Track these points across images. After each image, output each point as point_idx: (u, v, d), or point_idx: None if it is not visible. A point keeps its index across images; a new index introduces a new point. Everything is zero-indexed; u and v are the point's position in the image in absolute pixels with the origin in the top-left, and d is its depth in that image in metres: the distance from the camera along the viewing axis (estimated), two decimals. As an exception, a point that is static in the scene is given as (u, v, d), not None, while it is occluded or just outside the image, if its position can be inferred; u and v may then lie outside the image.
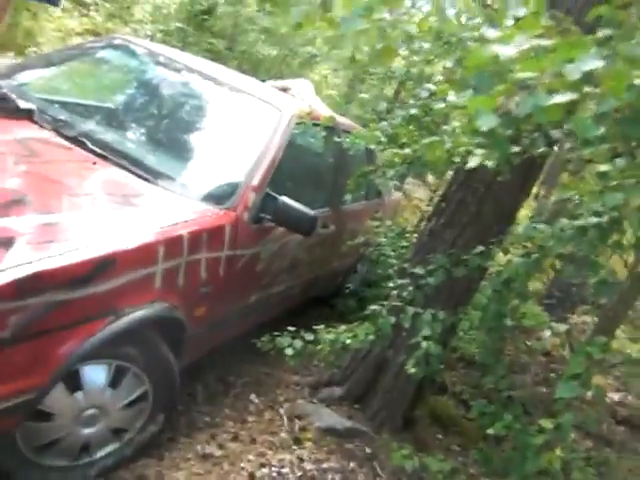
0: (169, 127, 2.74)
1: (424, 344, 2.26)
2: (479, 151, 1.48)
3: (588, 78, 0.94)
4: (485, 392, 3.01)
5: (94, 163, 2.13)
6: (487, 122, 0.97)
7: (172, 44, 6.44)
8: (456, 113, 2.09)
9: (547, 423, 1.75)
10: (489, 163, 1.41)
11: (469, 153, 1.50)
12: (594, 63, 0.89)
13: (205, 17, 7.15)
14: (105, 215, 1.85)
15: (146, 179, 2.18)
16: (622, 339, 4.55)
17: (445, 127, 2.05)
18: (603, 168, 1.28)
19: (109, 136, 2.41)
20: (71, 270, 1.55)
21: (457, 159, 2.14)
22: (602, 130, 1.11)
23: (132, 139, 2.55)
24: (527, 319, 4.42)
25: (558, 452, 1.74)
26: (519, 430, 2.05)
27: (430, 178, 5.68)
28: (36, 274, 1.46)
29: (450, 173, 2.97)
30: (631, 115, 1.07)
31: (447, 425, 3.14)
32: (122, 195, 2.03)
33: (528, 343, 4.46)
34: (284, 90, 4.13)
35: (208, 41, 6.98)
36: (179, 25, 7.03)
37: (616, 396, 4.34)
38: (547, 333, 4.44)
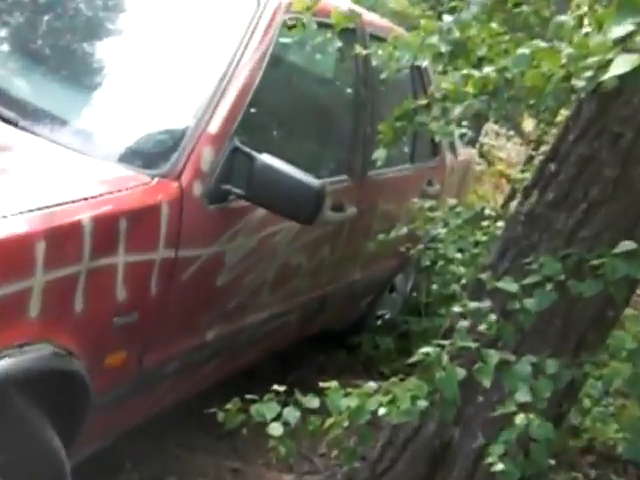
0: (67, 37, 2.84)
1: (520, 419, 2.24)
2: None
3: None
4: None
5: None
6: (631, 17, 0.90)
7: None
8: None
9: None
10: None
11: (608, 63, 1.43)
12: None
13: None
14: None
15: (18, 125, 2.22)
16: None
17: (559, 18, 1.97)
18: None
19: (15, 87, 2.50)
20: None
21: (581, 83, 2.07)
22: None
23: (36, 81, 2.63)
24: None
25: None
26: None
27: (528, 123, 5.59)
28: None
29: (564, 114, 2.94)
30: None
31: None
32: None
33: None
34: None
35: None
36: None
37: None
38: None
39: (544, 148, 4.08)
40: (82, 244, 1.95)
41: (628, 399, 3.30)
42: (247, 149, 2.44)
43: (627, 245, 2.32)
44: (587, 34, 2.08)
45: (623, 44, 1.50)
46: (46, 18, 2.92)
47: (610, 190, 2.61)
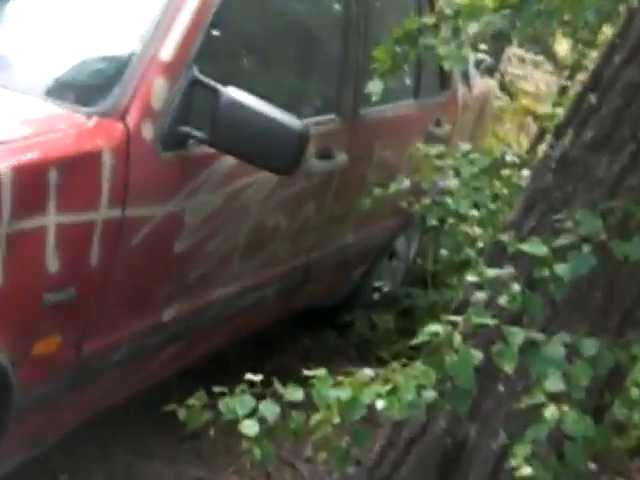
0: None
1: (551, 412, 2.24)
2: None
3: None
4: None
5: None
6: None
7: None
8: None
9: None
10: None
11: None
12: None
13: None
14: None
15: None
16: None
17: None
18: None
19: None
20: None
21: None
22: None
23: None
24: None
25: None
26: None
27: (561, 46, 5.61)
28: None
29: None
30: None
31: None
32: None
33: None
34: None
35: None
36: None
37: None
38: None
39: (582, 76, 4.07)
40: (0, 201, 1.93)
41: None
42: (210, 81, 2.44)
43: None
44: None
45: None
46: None
47: None
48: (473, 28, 2.60)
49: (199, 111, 2.45)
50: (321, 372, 2.46)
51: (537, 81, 7.44)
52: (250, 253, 3.03)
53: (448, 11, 2.91)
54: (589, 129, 2.70)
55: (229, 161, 2.61)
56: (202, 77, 2.46)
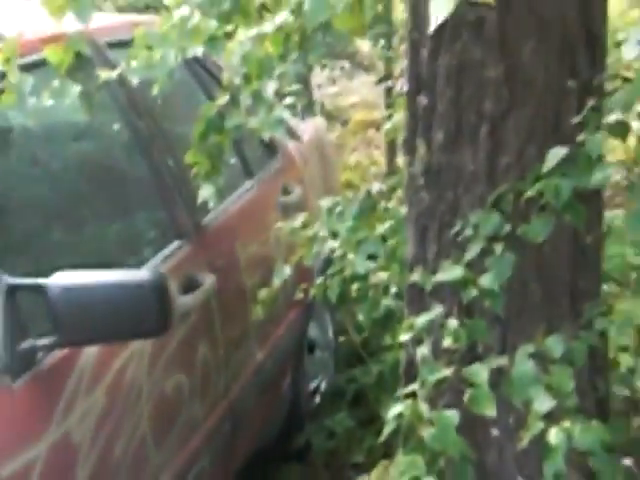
0: None
1: (554, 435, 2.30)
2: None
3: None
4: None
5: None
6: None
7: None
8: None
9: None
10: None
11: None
12: None
13: None
14: None
15: None
16: None
17: None
18: None
19: None
20: None
21: None
22: None
23: None
24: None
25: None
26: None
27: (365, 46, 5.71)
28: None
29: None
30: None
31: None
32: None
33: None
34: None
35: None
36: None
37: None
38: None
39: (396, 67, 4.18)
40: None
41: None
42: (27, 280, 2.42)
43: (558, 153, 2.38)
44: None
45: None
46: None
47: (506, 94, 2.68)
48: (271, 87, 2.66)
49: (33, 317, 2.42)
50: None
51: (359, 91, 7.51)
52: (163, 434, 3.00)
53: (237, 81, 2.94)
54: (436, 131, 2.76)
55: (91, 351, 2.58)
56: (17, 280, 2.41)
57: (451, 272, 2.61)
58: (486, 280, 2.53)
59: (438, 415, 2.47)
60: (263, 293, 3.70)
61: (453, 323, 2.59)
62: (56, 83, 2.92)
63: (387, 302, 3.92)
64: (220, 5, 2.84)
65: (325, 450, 4.04)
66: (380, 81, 5.32)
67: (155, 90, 2.99)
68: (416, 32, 2.82)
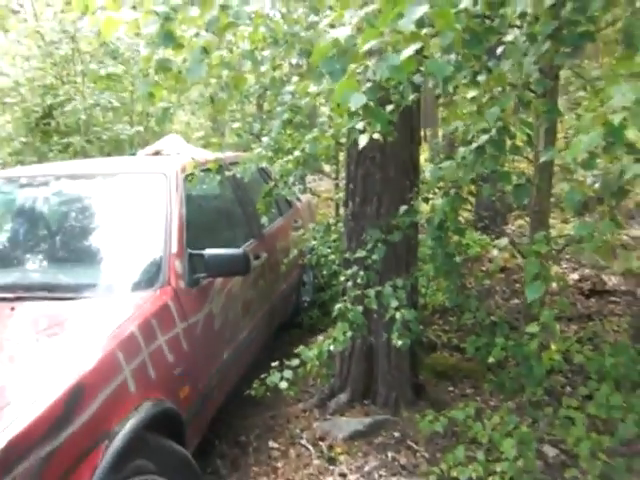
0: (66, 240, 2.62)
1: (398, 314, 2.34)
2: (360, 125, 1.54)
3: (421, 23, 1.01)
4: (470, 329, 3.13)
5: (12, 309, 2.03)
6: (357, 101, 1.02)
7: (28, 161, 6.22)
8: (324, 101, 2.15)
9: (533, 327, 1.86)
10: (375, 135, 1.46)
11: (351, 131, 1.54)
12: (420, 9, 0.97)
13: (46, 121, 6.94)
14: (46, 348, 1.78)
15: (70, 298, 2.10)
16: (557, 225, 4.86)
17: (320, 119, 2.11)
18: (471, 94, 1.37)
19: (11, 276, 2.34)
20: (43, 419, 1.47)
21: (343, 140, 2.21)
22: (452, 60, 1.20)
23: (35, 268, 2.47)
24: (472, 248, 4.65)
25: (554, 346, 1.85)
26: (514, 346, 2.16)
27: (327, 168, 5.70)
28: (11, 440, 1.37)
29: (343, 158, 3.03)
30: (469, 37, 1.16)
31: (452, 376, 3.23)
32: (55, 323, 1.95)
33: (483, 269, 4.66)
34: (157, 153, 4.11)
35: (61, 142, 6.77)
36: (23, 140, 6.79)
37: (575, 275, 4.60)
38: (495, 252, 4.68)
39: (342, 175, 4.18)
40: (138, 342, 1.92)
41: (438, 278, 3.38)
42: (196, 251, 2.40)
43: (404, 207, 2.47)
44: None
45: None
46: (48, 232, 2.68)
47: (384, 185, 2.73)
48: (290, 178, 2.67)
49: (197, 265, 2.38)
50: (301, 348, 2.53)
51: (326, 186, 7.36)
52: (246, 313, 2.96)
53: (276, 177, 2.99)
54: (357, 198, 2.80)
55: (220, 280, 2.58)
56: (191, 251, 2.40)
57: (360, 253, 2.63)
58: (374, 256, 2.56)
59: (354, 308, 2.49)
60: (285, 260, 3.70)
61: (360, 273, 2.61)
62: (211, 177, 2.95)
63: (334, 267, 4.01)
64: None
65: (308, 324, 4.04)
66: (335, 179, 5.31)
67: (246, 178, 3.07)
68: (349, 160, 2.85)
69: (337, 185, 5.14)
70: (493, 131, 1.45)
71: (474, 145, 1.52)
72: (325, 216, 5.88)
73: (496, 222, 5.51)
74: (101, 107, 6.91)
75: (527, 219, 2.62)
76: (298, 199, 4.59)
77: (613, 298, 4.16)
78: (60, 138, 6.82)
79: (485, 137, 1.47)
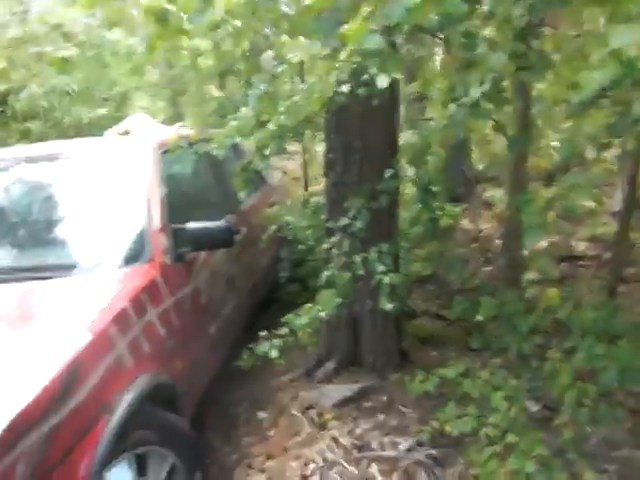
0: (50, 221, 2.53)
1: (385, 279, 2.34)
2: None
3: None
4: (448, 296, 3.17)
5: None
6: (374, 41, 1.01)
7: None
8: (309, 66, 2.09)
9: (531, 275, 1.87)
10: (384, 82, 1.43)
11: (336, 94, 1.50)
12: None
13: (1, 108, 6.67)
14: (39, 327, 1.75)
15: (60, 276, 2.05)
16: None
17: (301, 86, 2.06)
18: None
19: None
20: (43, 396, 1.45)
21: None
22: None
23: (17, 250, 2.41)
24: (443, 219, 4.70)
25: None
26: (499, 304, 2.20)
27: (296, 147, 5.55)
28: (14, 419, 1.35)
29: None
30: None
31: (433, 341, 3.26)
32: (45, 302, 1.91)
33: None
34: (127, 132, 3.99)
35: (20, 129, 6.51)
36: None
37: (544, 242, 4.68)
38: (465, 222, 4.75)
39: (319, 150, 4.08)
40: (130, 317, 1.91)
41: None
42: (179, 225, 2.38)
43: (390, 171, 2.45)
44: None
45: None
46: (20, 217, 2.57)
47: (364, 153, 2.71)
48: (267, 151, 2.45)
49: (182, 239, 2.35)
50: (289, 316, 2.48)
51: (292, 166, 7.25)
52: (231, 287, 2.98)
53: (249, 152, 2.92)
54: (337, 167, 2.78)
55: (204, 254, 2.58)
56: (175, 225, 2.37)
57: (342, 222, 2.60)
58: (358, 224, 2.56)
59: (341, 274, 2.46)
60: (264, 236, 3.66)
61: (345, 242, 2.59)
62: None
63: (310, 243, 3.99)
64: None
65: (287, 299, 3.93)
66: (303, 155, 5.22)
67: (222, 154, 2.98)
68: (329, 129, 2.81)
69: (305, 163, 5.09)
70: (486, 85, 1.45)
71: (465, 100, 1.52)
72: (295, 194, 5.83)
73: (465, 193, 5.57)
74: (59, 92, 6.67)
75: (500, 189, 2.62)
76: (271, 177, 4.55)
77: (582, 262, 4.27)
78: (19, 124, 6.56)
79: (478, 92, 1.47)
